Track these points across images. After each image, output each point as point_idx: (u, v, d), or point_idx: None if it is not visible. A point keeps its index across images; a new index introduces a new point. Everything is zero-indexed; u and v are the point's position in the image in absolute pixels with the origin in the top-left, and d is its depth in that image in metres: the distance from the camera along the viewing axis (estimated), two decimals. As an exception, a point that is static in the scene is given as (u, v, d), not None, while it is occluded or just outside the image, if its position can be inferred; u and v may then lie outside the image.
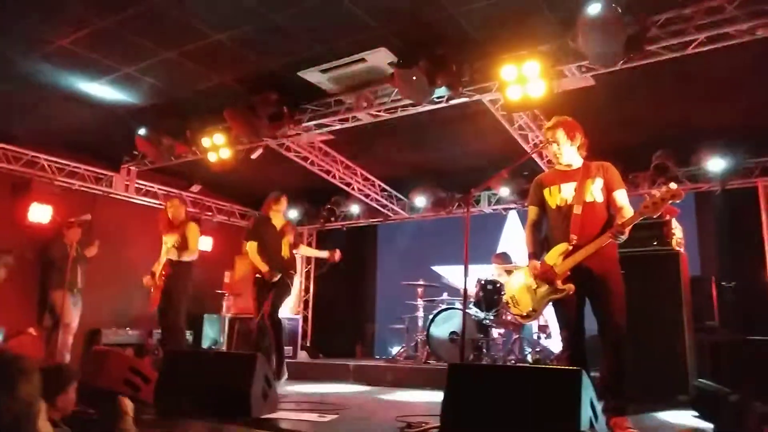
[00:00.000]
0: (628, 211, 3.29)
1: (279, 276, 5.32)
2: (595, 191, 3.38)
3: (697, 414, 1.66)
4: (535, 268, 3.40)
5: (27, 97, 6.20)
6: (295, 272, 5.78)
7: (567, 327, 3.42)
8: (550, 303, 3.44)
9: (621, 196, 3.38)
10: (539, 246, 3.52)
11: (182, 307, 5.60)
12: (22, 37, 5.00)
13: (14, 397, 1.17)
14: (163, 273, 5.54)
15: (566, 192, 3.43)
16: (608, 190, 3.40)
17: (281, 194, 5.71)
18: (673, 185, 3.08)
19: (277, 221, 5.62)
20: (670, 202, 3.07)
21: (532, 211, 3.62)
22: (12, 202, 6.97)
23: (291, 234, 5.66)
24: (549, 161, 6.98)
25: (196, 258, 5.74)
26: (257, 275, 5.42)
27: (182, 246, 5.63)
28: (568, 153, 3.49)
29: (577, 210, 3.33)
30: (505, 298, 3.88)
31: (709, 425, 2.49)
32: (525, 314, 3.55)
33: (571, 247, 3.29)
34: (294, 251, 5.75)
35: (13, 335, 6.20)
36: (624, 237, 3.19)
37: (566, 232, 3.33)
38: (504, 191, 8.07)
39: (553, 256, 3.36)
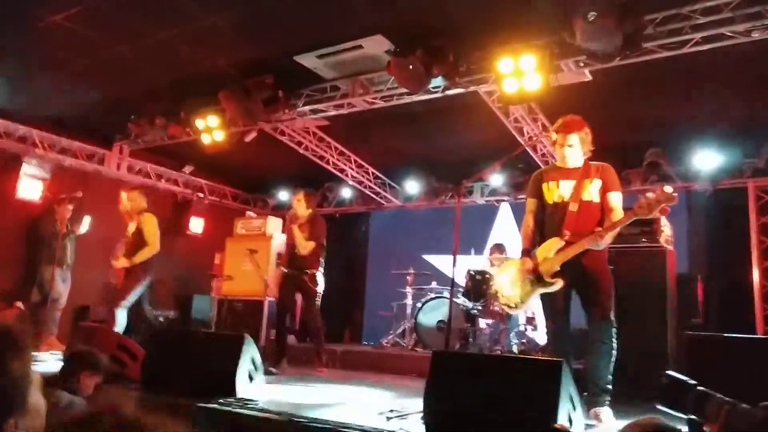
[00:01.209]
0: (617, 215, 3.37)
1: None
2: (592, 191, 3.46)
3: (663, 404, 1.69)
4: (525, 265, 3.47)
5: (19, 72, 6.14)
6: (312, 269, 5.62)
7: (553, 319, 3.51)
8: (538, 296, 3.51)
9: (615, 199, 3.45)
10: (533, 241, 3.57)
11: (130, 298, 5.54)
12: (14, 11, 4.93)
13: (4, 371, 1.16)
14: (120, 275, 5.55)
15: (564, 189, 3.49)
16: (604, 191, 3.47)
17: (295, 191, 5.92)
18: (668, 188, 3.15)
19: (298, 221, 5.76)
20: (663, 205, 3.12)
21: (530, 204, 3.67)
22: (3, 177, 6.93)
23: (294, 226, 5.66)
24: (543, 155, 7.02)
25: (156, 251, 5.57)
26: None
27: (139, 242, 5.49)
28: (576, 157, 3.54)
29: (573, 207, 3.41)
30: (493, 288, 3.92)
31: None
32: (512, 305, 3.63)
33: (563, 243, 3.35)
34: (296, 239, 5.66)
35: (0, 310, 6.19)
36: (605, 242, 3.26)
37: (560, 227, 3.40)
38: (497, 182, 8.11)
39: (545, 251, 3.43)
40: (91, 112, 7.12)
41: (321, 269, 5.79)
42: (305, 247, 5.55)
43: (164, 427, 0.87)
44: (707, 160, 6.66)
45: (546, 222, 3.54)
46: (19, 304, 6.33)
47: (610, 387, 3.32)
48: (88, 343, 3.80)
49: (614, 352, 3.32)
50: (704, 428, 1.64)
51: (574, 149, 3.51)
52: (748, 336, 4.27)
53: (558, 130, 3.57)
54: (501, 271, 3.84)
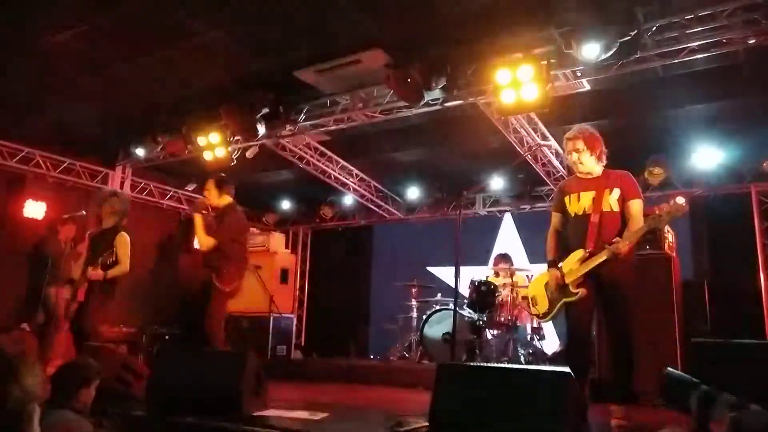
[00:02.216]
0: (636, 223, 3.42)
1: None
2: (612, 201, 3.51)
3: (664, 402, 1.67)
4: (552, 276, 3.58)
5: (22, 92, 6.21)
6: (220, 269, 4.68)
7: (576, 329, 3.55)
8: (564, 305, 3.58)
9: (635, 207, 3.50)
10: (559, 253, 3.65)
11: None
12: (17, 32, 5.00)
13: (20, 387, 1.21)
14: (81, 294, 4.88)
15: (585, 200, 3.56)
16: (624, 200, 3.52)
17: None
18: (680, 200, 3.28)
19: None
20: (675, 215, 3.25)
21: (555, 217, 3.75)
22: (6, 198, 6.97)
23: (196, 215, 4.85)
24: (543, 164, 7.04)
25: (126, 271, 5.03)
26: None
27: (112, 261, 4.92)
28: (588, 162, 3.59)
29: (595, 218, 3.47)
30: (527, 293, 4.16)
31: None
32: (541, 314, 3.78)
33: (587, 254, 3.43)
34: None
35: (6, 331, 6.19)
36: (623, 252, 3.30)
37: (583, 238, 3.47)
38: (499, 193, 8.12)
39: (571, 262, 3.51)
40: (94, 131, 7.18)
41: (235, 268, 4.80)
42: (203, 242, 4.72)
43: None
44: (708, 165, 6.67)
45: (569, 234, 3.61)
46: (25, 325, 6.33)
47: (631, 394, 3.40)
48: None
49: (632, 364, 3.39)
50: (710, 427, 1.62)
51: (582, 154, 3.57)
52: (757, 341, 4.24)
53: (566, 137, 3.69)
54: (532, 282, 4.01)
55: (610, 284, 3.40)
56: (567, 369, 2.61)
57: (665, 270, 4.94)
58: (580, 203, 3.57)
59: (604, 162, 3.64)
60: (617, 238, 3.34)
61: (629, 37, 4.30)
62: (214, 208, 4.95)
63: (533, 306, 3.85)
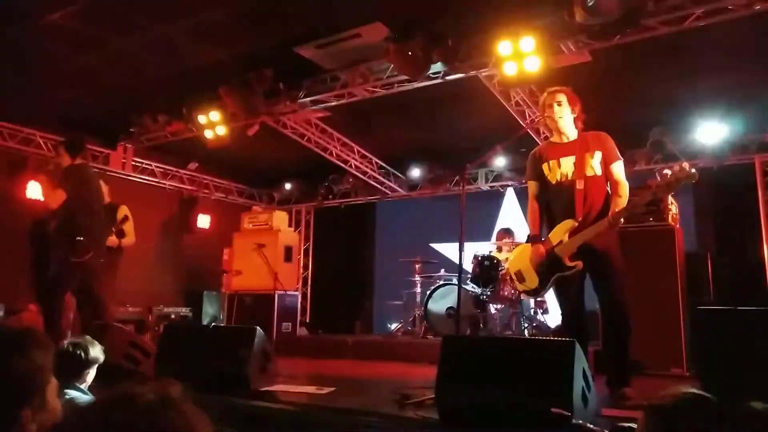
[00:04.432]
0: (624, 187, 3.28)
1: None
2: (595, 164, 3.33)
3: None
4: (538, 251, 3.37)
5: (20, 73, 6.15)
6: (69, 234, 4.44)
7: (568, 303, 3.41)
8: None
9: (618, 169, 3.34)
10: (542, 225, 3.48)
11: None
12: (11, 10, 4.93)
13: (28, 359, 1.19)
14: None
15: (566, 166, 3.36)
16: (606, 163, 3.35)
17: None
18: (685, 165, 3.00)
19: None
20: (683, 182, 2.99)
21: (533, 187, 3.55)
22: (9, 180, 6.97)
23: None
24: (546, 138, 6.98)
25: None
26: None
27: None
28: (567, 119, 3.41)
29: (580, 185, 3.29)
30: (510, 271, 3.84)
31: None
32: (531, 290, 3.53)
33: (577, 224, 3.25)
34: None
35: (14, 312, 6.23)
36: (620, 223, 3.19)
37: (570, 207, 3.29)
38: (501, 168, 8.08)
39: (559, 233, 3.31)
40: (93, 112, 7.13)
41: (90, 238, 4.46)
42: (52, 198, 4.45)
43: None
44: (712, 137, 6.62)
45: (553, 203, 3.43)
46: (33, 306, 6.37)
47: (629, 367, 3.26)
48: (100, 342, 3.81)
49: (629, 332, 3.24)
50: None
51: (564, 108, 3.40)
52: (763, 308, 4.24)
53: (547, 90, 3.50)
54: (513, 257, 3.75)
55: (603, 253, 3.23)
56: (572, 339, 2.60)
57: (669, 242, 4.94)
58: (561, 170, 3.36)
59: (580, 128, 3.45)
60: (618, 208, 3.17)
61: (633, 5, 4.23)
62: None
63: (520, 282, 3.58)
